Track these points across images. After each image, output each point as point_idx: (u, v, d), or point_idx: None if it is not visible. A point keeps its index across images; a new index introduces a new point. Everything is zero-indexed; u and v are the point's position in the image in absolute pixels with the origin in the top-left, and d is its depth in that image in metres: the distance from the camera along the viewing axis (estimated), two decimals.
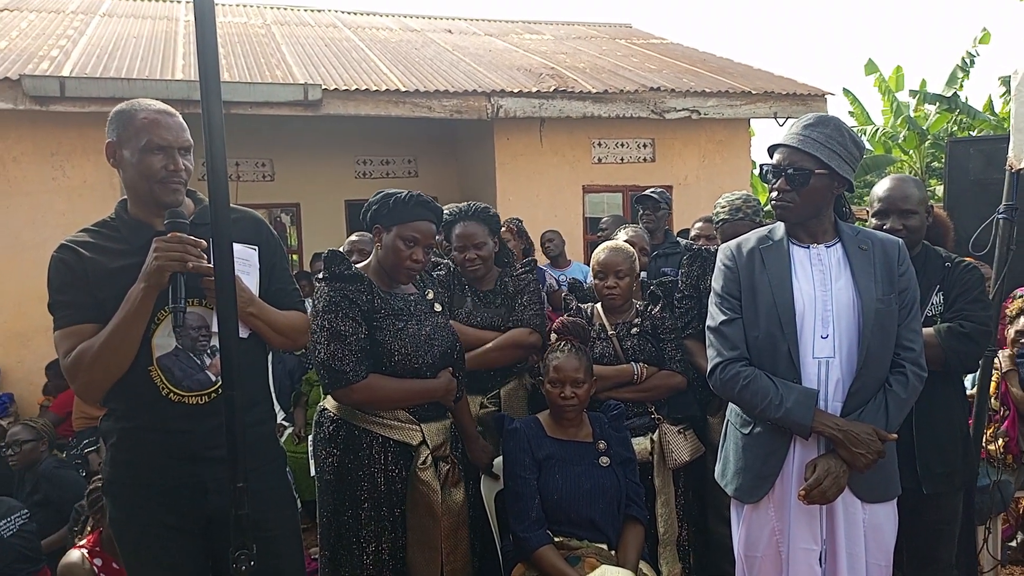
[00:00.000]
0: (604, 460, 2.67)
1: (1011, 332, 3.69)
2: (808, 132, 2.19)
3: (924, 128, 14.47)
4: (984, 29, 13.71)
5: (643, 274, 3.65)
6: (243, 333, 2.03)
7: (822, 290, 2.18)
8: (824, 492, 2.06)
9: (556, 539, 2.56)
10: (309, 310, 2.42)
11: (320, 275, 2.50)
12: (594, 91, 7.99)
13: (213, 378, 2.05)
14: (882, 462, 2.10)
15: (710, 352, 2.31)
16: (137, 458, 2.06)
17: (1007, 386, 3.54)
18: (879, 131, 15.11)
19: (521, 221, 4.95)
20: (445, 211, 2.95)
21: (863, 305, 2.14)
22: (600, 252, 3.11)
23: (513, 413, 2.99)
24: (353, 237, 4.11)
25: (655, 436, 2.97)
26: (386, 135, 9.33)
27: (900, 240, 2.30)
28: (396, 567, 2.44)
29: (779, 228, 2.30)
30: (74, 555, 3.05)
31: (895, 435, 2.13)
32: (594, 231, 7.25)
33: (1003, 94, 13.58)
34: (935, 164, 14.97)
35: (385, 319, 2.44)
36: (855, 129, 14.24)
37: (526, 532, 2.53)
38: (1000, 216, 2.94)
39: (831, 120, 2.22)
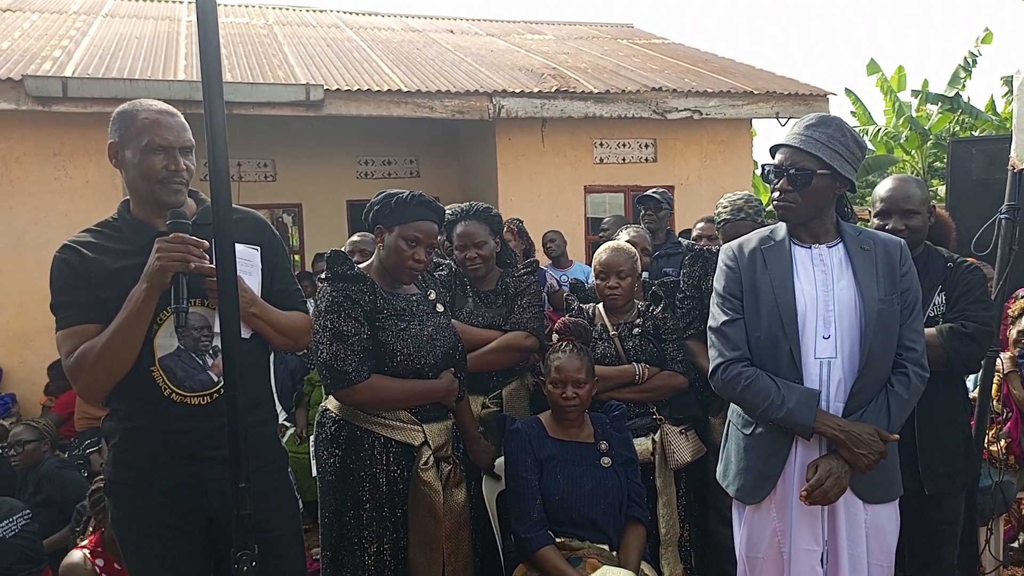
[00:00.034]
0: (606, 461, 2.67)
1: (1013, 332, 3.68)
2: (810, 132, 2.19)
3: (926, 128, 14.45)
4: (986, 29, 13.69)
5: (645, 274, 3.65)
6: (245, 333, 2.04)
7: (824, 290, 2.18)
8: (826, 493, 2.06)
9: (557, 540, 2.56)
10: (311, 310, 2.43)
11: (323, 275, 2.50)
12: (596, 91, 7.99)
13: (215, 378, 2.05)
14: (884, 463, 2.09)
15: (712, 352, 2.31)
16: (139, 458, 2.06)
17: (1008, 389, 3.54)
18: (881, 131, 15.10)
19: (522, 221, 4.95)
20: (447, 211, 2.95)
21: (865, 305, 2.13)
22: (602, 252, 3.11)
23: (515, 413, 2.99)
24: (355, 237, 4.11)
25: (657, 437, 2.97)
26: (388, 135, 9.34)
27: (902, 240, 2.29)
28: (398, 568, 2.44)
29: (781, 228, 2.30)
30: (76, 555, 3.05)
31: (897, 435, 2.13)
32: (596, 231, 7.25)
33: (1005, 94, 13.55)
34: (937, 164, 14.95)
35: (387, 319, 2.44)
36: (857, 129, 14.23)
37: (527, 533, 2.53)
38: (1002, 216, 2.94)
39: (833, 120, 2.22)
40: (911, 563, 2.56)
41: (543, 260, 5.74)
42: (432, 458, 2.46)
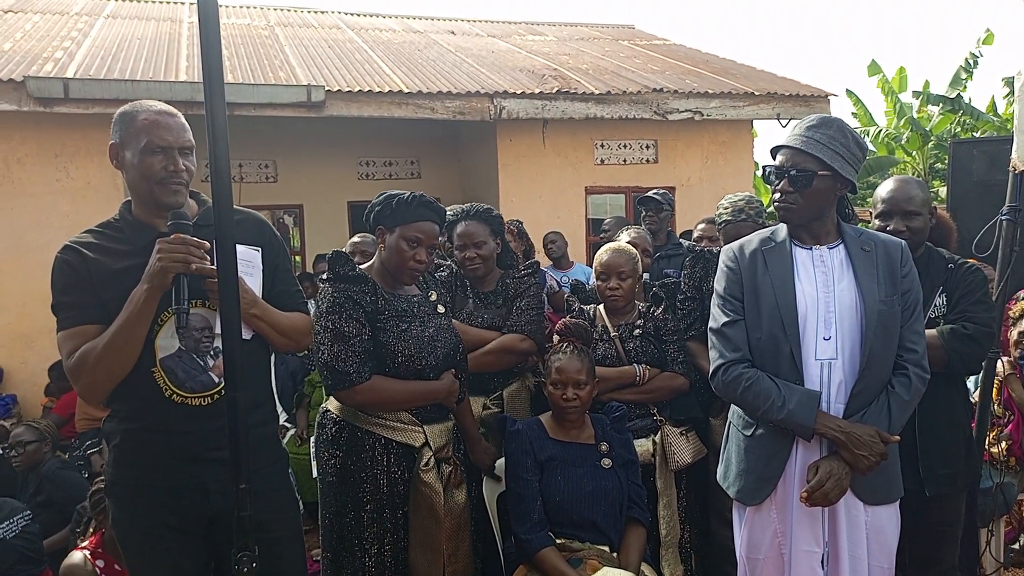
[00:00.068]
0: (606, 462, 2.67)
1: (1014, 334, 3.68)
2: (811, 133, 2.19)
3: (927, 129, 14.44)
4: (987, 30, 13.69)
5: (646, 275, 3.65)
6: (246, 335, 2.04)
7: (825, 291, 2.18)
8: (826, 494, 2.06)
9: (558, 541, 2.56)
10: (312, 311, 2.43)
11: (324, 276, 2.50)
12: (597, 92, 7.99)
13: (216, 379, 2.05)
14: (884, 464, 2.09)
15: (712, 354, 2.31)
16: (140, 459, 2.06)
17: (1008, 392, 3.53)
18: (882, 132, 15.08)
19: (522, 223, 4.95)
20: (448, 212, 2.95)
21: (866, 307, 2.13)
22: (603, 253, 3.11)
23: (516, 414, 2.99)
24: (355, 238, 4.11)
25: (657, 438, 2.97)
26: (389, 136, 9.35)
27: (903, 241, 2.29)
28: (398, 569, 2.44)
29: (782, 229, 2.30)
30: (76, 556, 3.05)
31: (898, 437, 2.13)
32: (596, 232, 7.26)
33: (1006, 95, 13.54)
34: (938, 165, 14.94)
35: (388, 320, 2.44)
36: (858, 130, 14.21)
37: (528, 534, 2.53)
38: (1003, 217, 2.94)
39: (834, 121, 2.22)
40: (911, 564, 2.56)
41: (544, 261, 5.74)
42: (433, 459, 2.46)
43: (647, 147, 8.76)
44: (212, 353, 2.06)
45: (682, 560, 2.94)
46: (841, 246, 2.24)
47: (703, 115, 8.39)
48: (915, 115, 14.82)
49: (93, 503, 3.19)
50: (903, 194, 2.57)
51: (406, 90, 7.37)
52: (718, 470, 2.42)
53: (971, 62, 13.77)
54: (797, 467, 2.18)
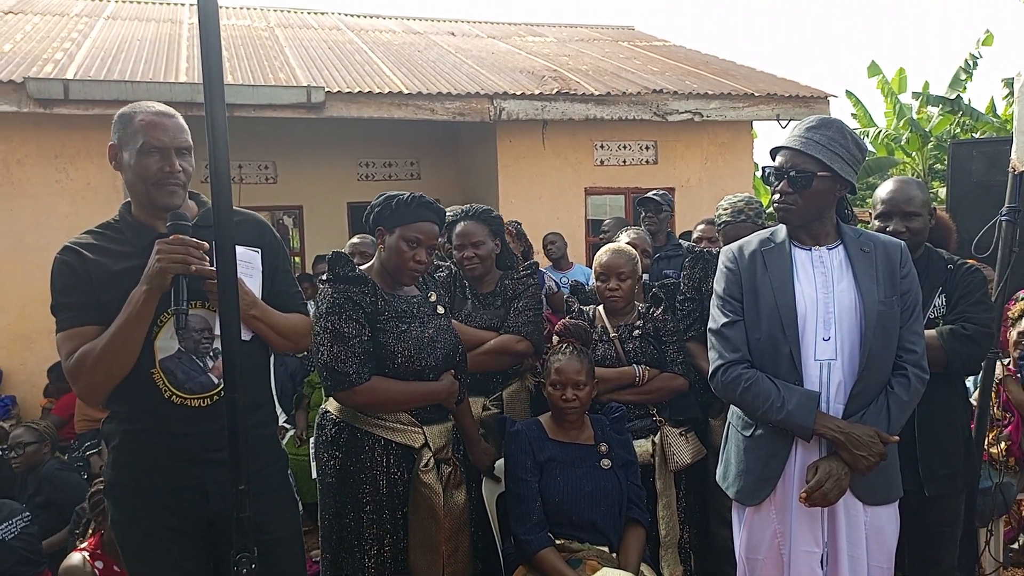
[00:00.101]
0: (605, 462, 2.67)
1: (1013, 334, 3.68)
2: (810, 134, 2.19)
3: (927, 130, 14.45)
4: (987, 31, 13.71)
5: (645, 276, 3.65)
6: (245, 336, 2.03)
7: (824, 292, 2.18)
8: (825, 494, 2.06)
9: (557, 541, 2.56)
10: (312, 312, 2.43)
11: (323, 277, 2.50)
12: (596, 93, 8.00)
13: (215, 381, 2.05)
14: (884, 464, 2.09)
15: (712, 354, 2.31)
16: (139, 460, 2.06)
17: (1006, 394, 3.53)
18: (882, 133, 15.10)
19: (520, 224, 4.95)
20: (448, 212, 2.95)
21: (865, 307, 2.13)
22: (602, 254, 3.11)
23: (515, 415, 2.99)
24: (355, 240, 4.12)
25: (656, 438, 2.97)
26: (389, 137, 9.35)
27: (902, 242, 2.29)
28: (397, 569, 2.44)
29: (781, 230, 2.30)
30: (75, 558, 3.05)
31: (897, 437, 2.13)
32: (596, 233, 7.26)
33: (1006, 96, 13.55)
34: (938, 166, 14.94)
35: (388, 321, 2.44)
36: (858, 131, 14.26)
37: (527, 535, 2.53)
38: (1003, 218, 2.94)
39: (833, 122, 2.22)
40: (911, 565, 2.56)
41: (543, 262, 5.74)
42: (432, 460, 2.46)
43: (647, 148, 8.76)
44: (212, 354, 2.06)
45: (681, 560, 2.94)
46: (840, 247, 2.24)
47: (703, 116, 8.40)
48: (915, 116, 14.84)
49: (92, 504, 3.19)
50: (903, 195, 2.57)
51: (406, 91, 7.38)
52: (717, 470, 2.42)
53: (970, 63, 13.78)
54: (796, 467, 2.18)
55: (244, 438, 1.65)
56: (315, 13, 11.83)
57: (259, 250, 2.17)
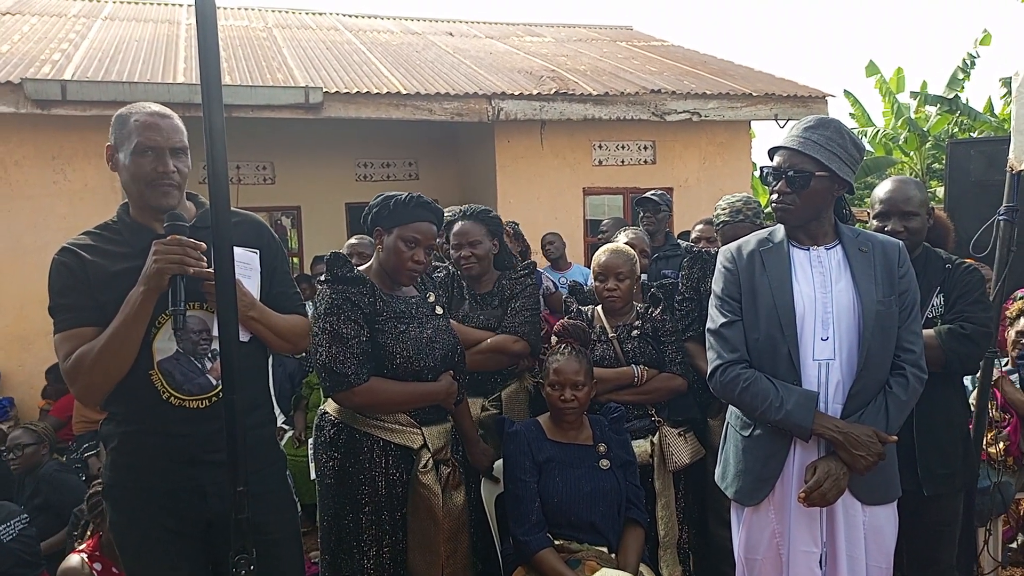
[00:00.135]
0: (604, 463, 2.67)
1: (1011, 334, 3.68)
2: (808, 134, 2.19)
3: (925, 130, 14.46)
4: (985, 30, 13.71)
5: (644, 276, 3.65)
6: (244, 337, 2.03)
7: (822, 292, 2.18)
8: (824, 494, 2.06)
9: (556, 542, 2.56)
10: (310, 313, 2.42)
11: (322, 278, 2.50)
12: (595, 93, 8.00)
13: (214, 382, 2.05)
14: (882, 464, 2.10)
15: (710, 354, 2.31)
16: (137, 462, 2.06)
17: (1001, 395, 3.53)
18: (880, 132, 15.11)
19: (518, 224, 4.96)
20: (446, 213, 2.95)
21: (863, 307, 2.14)
22: (601, 254, 3.11)
23: (514, 416, 2.99)
24: (352, 240, 4.12)
25: (655, 439, 2.97)
26: (387, 138, 9.34)
27: (900, 242, 2.29)
28: (396, 570, 2.44)
29: (779, 230, 2.30)
30: (74, 559, 3.05)
31: (895, 437, 2.13)
32: (594, 233, 7.25)
33: (1004, 95, 13.58)
34: (936, 166, 14.96)
35: (387, 322, 2.43)
36: (856, 131, 14.28)
37: (526, 535, 2.53)
38: (1001, 217, 2.94)
39: (831, 122, 2.22)
40: (909, 564, 2.56)
41: (542, 262, 5.74)
42: (431, 461, 2.46)
43: (645, 148, 8.76)
44: (210, 355, 2.06)
45: (680, 561, 2.94)
46: (839, 247, 2.24)
47: (701, 116, 8.40)
48: (913, 115, 14.85)
49: (91, 506, 3.18)
50: (901, 194, 2.57)
51: (404, 91, 7.37)
52: (716, 471, 2.42)
53: (968, 63, 13.79)
54: (795, 467, 2.18)
55: (242, 439, 1.65)
56: (313, 13, 11.82)
57: (257, 251, 2.17)
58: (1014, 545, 3.95)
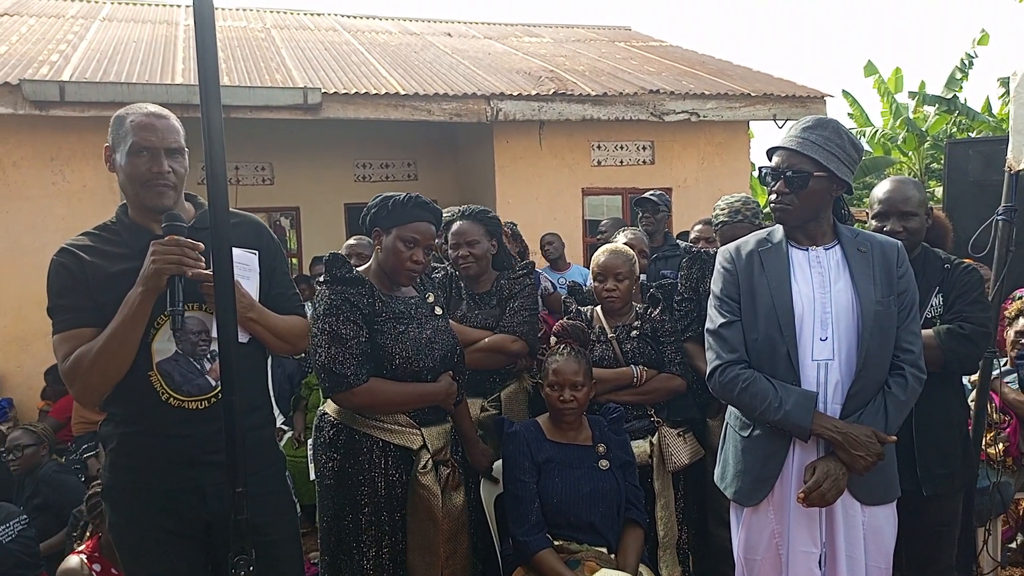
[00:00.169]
0: (603, 463, 2.67)
1: (1010, 333, 3.68)
2: (807, 135, 2.19)
3: (923, 129, 14.47)
4: (983, 30, 13.72)
5: (643, 277, 3.65)
6: (243, 338, 2.03)
7: (821, 292, 2.18)
8: (823, 495, 2.06)
9: (556, 543, 2.56)
10: (309, 314, 2.42)
11: (321, 278, 2.49)
12: (593, 94, 8.00)
13: (213, 383, 2.05)
14: (881, 464, 2.10)
15: (709, 355, 2.31)
16: (137, 463, 2.05)
17: (998, 395, 3.53)
18: (878, 133, 15.12)
19: (516, 224, 4.96)
20: (445, 213, 2.95)
21: (862, 307, 2.14)
22: (600, 255, 3.11)
23: (514, 416, 2.99)
24: (351, 241, 4.12)
25: (655, 439, 2.97)
26: (385, 138, 9.34)
27: (899, 242, 2.29)
28: (396, 571, 2.44)
29: (778, 231, 2.30)
30: (73, 560, 3.04)
31: (894, 437, 2.13)
32: (593, 234, 7.26)
33: (1002, 95, 13.58)
34: (934, 165, 14.97)
35: (386, 322, 2.43)
36: (854, 131, 14.28)
37: (526, 536, 2.53)
38: (999, 217, 2.94)
39: (830, 122, 2.22)
40: (909, 564, 2.56)
41: (541, 263, 5.74)
42: (431, 462, 2.46)
43: (644, 148, 8.77)
44: (209, 356, 2.06)
45: (680, 561, 2.94)
46: (837, 247, 2.25)
47: (699, 116, 8.40)
48: (911, 115, 14.86)
49: (90, 507, 3.18)
50: (899, 194, 2.58)
51: (403, 92, 7.37)
52: (715, 471, 2.42)
53: (967, 62, 13.80)
54: (794, 468, 2.18)
55: (242, 440, 1.65)
56: (311, 14, 11.82)
57: (256, 252, 2.17)
58: (1013, 545, 3.95)
